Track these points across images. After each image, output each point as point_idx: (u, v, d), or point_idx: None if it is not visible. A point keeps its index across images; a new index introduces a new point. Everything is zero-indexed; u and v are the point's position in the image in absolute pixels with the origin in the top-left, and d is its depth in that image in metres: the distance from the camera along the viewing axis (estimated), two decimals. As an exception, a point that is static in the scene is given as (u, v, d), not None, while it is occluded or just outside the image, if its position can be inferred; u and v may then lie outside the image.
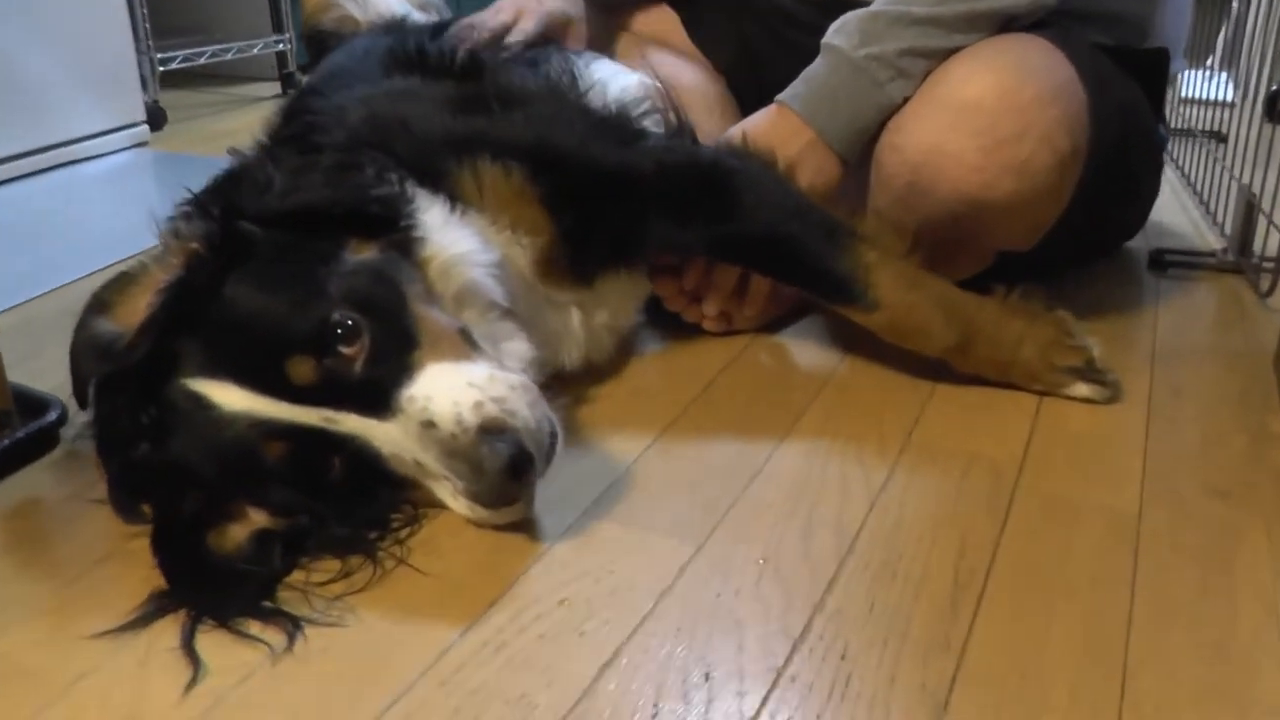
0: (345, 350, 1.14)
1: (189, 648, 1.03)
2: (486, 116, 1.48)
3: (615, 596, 1.09)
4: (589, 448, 1.37)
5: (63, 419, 1.44)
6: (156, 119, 3.19)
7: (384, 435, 1.13)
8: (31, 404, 1.44)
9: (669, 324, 1.68)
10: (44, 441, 1.42)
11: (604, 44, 2.07)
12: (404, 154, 1.39)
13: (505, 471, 1.08)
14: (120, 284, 1.24)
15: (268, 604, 1.09)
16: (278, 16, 3.78)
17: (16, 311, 1.86)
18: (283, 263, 1.20)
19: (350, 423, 1.13)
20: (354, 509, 1.19)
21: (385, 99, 1.53)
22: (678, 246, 1.52)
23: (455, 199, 1.37)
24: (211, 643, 1.04)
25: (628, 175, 1.45)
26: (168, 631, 1.05)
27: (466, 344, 1.21)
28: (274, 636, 1.04)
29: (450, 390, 1.12)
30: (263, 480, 1.16)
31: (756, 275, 1.61)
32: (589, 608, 1.07)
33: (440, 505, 1.19)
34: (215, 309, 1.15)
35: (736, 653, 1.01)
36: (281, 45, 3.80)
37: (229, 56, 3.65)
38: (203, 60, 3.55)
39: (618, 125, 1.54)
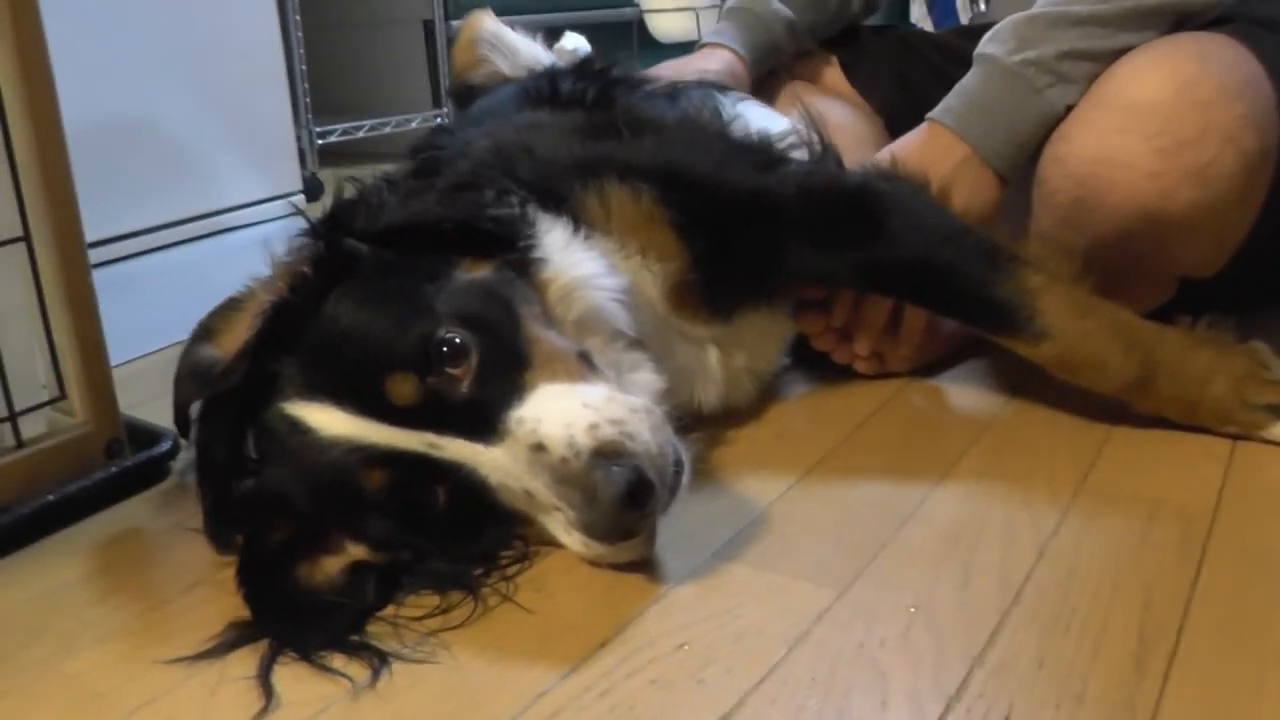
0: (451, 369, 1.06)
1: (264, 678, 0.96)
2: (615, 141, 1.41)
3: (742, 643, 0.97)
4: (722, 488, 1.26)
5: (174, 451, 1.43)
6: (313, 190, 3.24)
7: (491, 462, 1.04)
8: (145, 436, 1.44)
9: (816, 365, 1.57)
10: (153, 472, 1.41)
11: (761, 94, 2.00)
12: (527, 178, 1.32)
13: (621, 499, 0.97)
14: (224, 311, 1.20)
15: (355, 638, 1.02)
16: (437, 92, 3.85)
17: (151, 358, 1.89)
18: (388, 280, 1.14)
19: (455, 448, 1.05)
20: (459, 544, 1.11)
21: (511, 129, 1.48)
22: (822, 277, 1.40)
23: (580, 222, 1.29)
24: (290, 675, 0.96)
25: (766, 198, 1.35)
26: (245, 661, 0.98)
27: (585, 366, 1.12)
28: (357, 671, 0.96)
29: (563, 411, 1.03)
30: (361, 511, 1.09)
31: (910, 310, 1.50)
32: (710, 653, 0.96)
33: (554, 543, 1.10)
34: (314, 328, 1.10)
35: (879, 709, 0.88)
36: (440, 119, 3.86)
37: (387, 130, 3.71)
38: (360, 134, 3.62)
39: (758, 150, 1.45)
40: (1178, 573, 1.04)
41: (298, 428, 1.07)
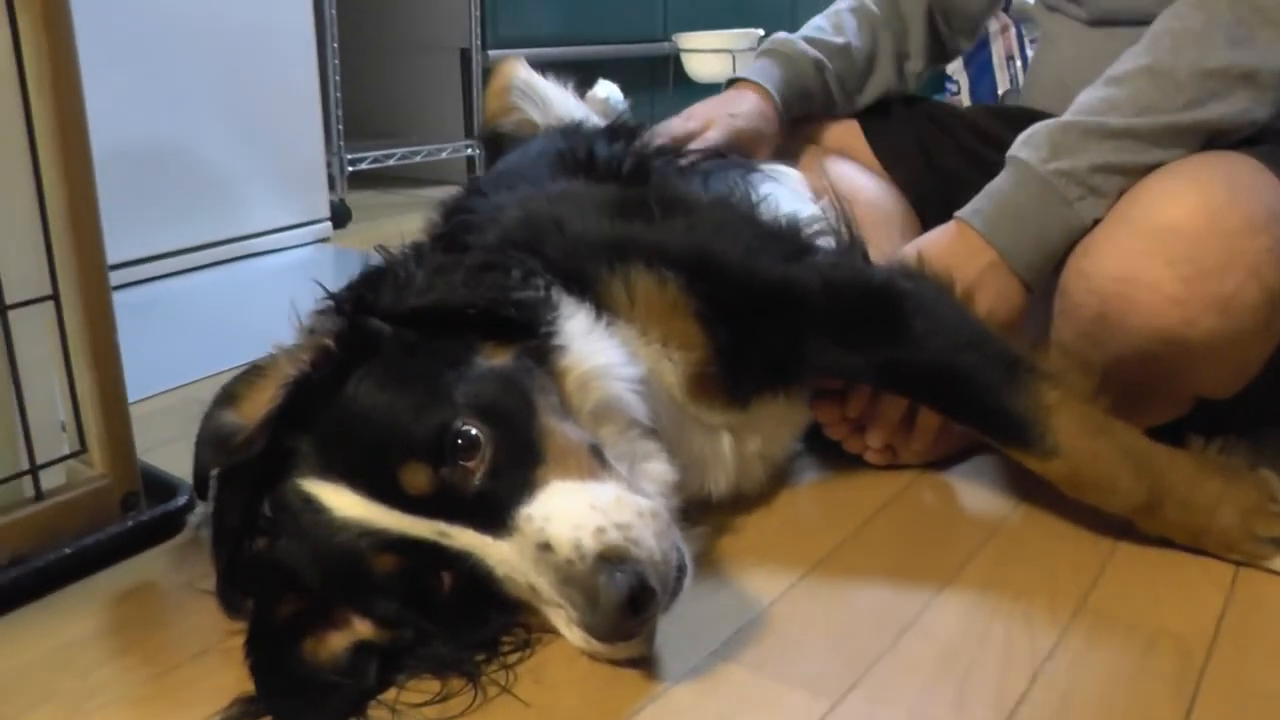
0: (464, 462, 1.10)
1: None
2: (645, 221, 1.44)
3: (734, 754, 1.00)
4: (725, 581, 1.29)
5: (190, 505, 1.47)
6: (341, 217, 3.30)
7: (498, 555, 1.08)
8: (161, 488, 1.47)
9: (828, 452, 1.60)
10: (169, 526, 1.45)
11: (788, 154, 2.04)
12: (554, 256, 1.36)
13: (623, 606, 1.01)
14: (249, 377, 1.24)
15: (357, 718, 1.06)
16: (470, 122, 3.90)
17: (171, 395, 1.94)
18: (409, 363, 1.17)
19: (464, 538, 1.08)
20: (462, 628, 1.14)
21: (544, 200, 1.51)
22: (841, 371, 1.44)
23: (603, 307, 1.32)
24: None
25: (791, 291, 1.39)
26: None
27: (596, 462, 1.15)
28: None
29: (571, 512, 1.07)
30: (369, 590, 1.13)
31: (926, 408, 1.52)
32: (702, 764, 0.99)
33: (555, 631, 1.13)
34: (334, 407, 1.13)
35: (864, 834, 0.91)
36: (470, 150, 3.92)
37: (418, 159, 3.77)
38: (391, 162, 3.68)
39: (785, 238, 1.48)
40: (1171, 708, 1.07)
41: (311, 505, 1.11)
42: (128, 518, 1.40)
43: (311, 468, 1.12)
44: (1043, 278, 1.51)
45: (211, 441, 1.20)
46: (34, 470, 1.34)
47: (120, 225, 2.85)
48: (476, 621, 1.15)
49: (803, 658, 1.14)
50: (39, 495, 1.35)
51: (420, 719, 1.06)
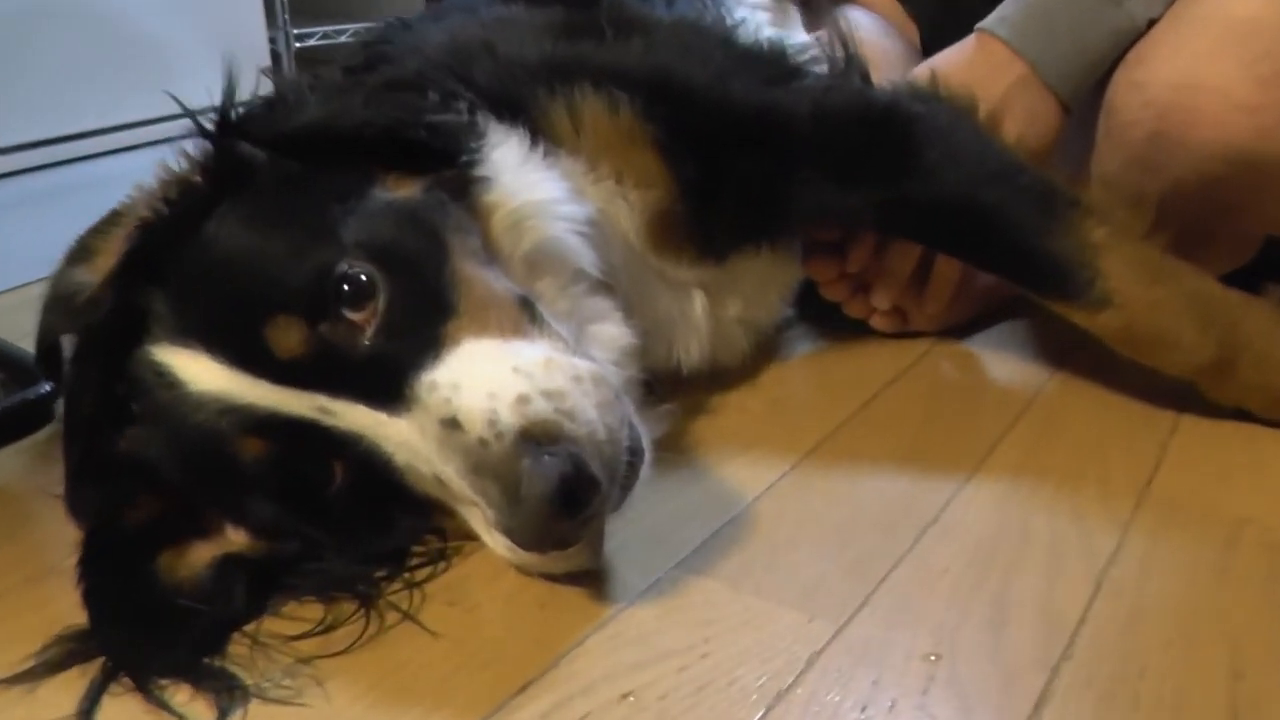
0: (351, 314, 0.83)
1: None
2: (595, 41, 1.15)
3: (705, 695, 0.73)
4: (698, 474, 1.02)
5: (56, 394, 1.18)
6: (288, 98, 2.97)
7: (395, 436, 0.81)
8: (24, 373, 1.20)
9: (825, 319, 1.32)
10: (29, 417, 1.17)
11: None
12: (483, 81, 1.07)
13: (552, 499, 0.73)
14: (103, 225, 0.98)
15: (210, 660, 0.79)
16: (432, -3, 3.56)
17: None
18: (285, 197, 0.91)
19: (351, 416, 0.82)
20: (359, 537, 0.88)
21: (475, 25, 1.22)
22: (839, 214, 1.15)
23: (541, 136, 1.04)
24: (122, 713, 0.74)
25: (774, 116, 1.10)
26: (70, 689, 0.77)
27: (525, 318, 0.88)
28: (200, 713, 0.74)
29: (487, 377, 0.79)
30: (238, 487, 0.87)
31: (942, 258, 1.23)
32: (663, 709, 0.72)
33: (477, 540, 0.87)
34: (188, 253, 0.87)
35: (883, 806, 0.64)
36: (433, 25, 3.56)
37: (375, 36, 3.41)
38: (343, 39, 3.32)
39: (767, 61, 1.19)
40: (1272, 618, 0.80)
41: (165, 379, 0.86)
42: (-35, 403, 1.12)
43: (165, 331, 0.87)
44: (1082, 95, 1.22)
45: (56, 303, 0.96)
46: None
47: (38, 97, 2.62)
48: (377, 528, 0.88)
49: (797, 567, 0.87)
50: None
51: (294, 655, 0.79)
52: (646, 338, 1.05)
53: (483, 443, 0.76)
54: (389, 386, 0.81)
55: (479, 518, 0.82)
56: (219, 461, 0.84)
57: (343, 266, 0.83)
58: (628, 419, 0.81)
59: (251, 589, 0.85)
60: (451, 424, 0.77)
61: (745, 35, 1.26)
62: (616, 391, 0.82)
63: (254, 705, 0.74)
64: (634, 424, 0.82)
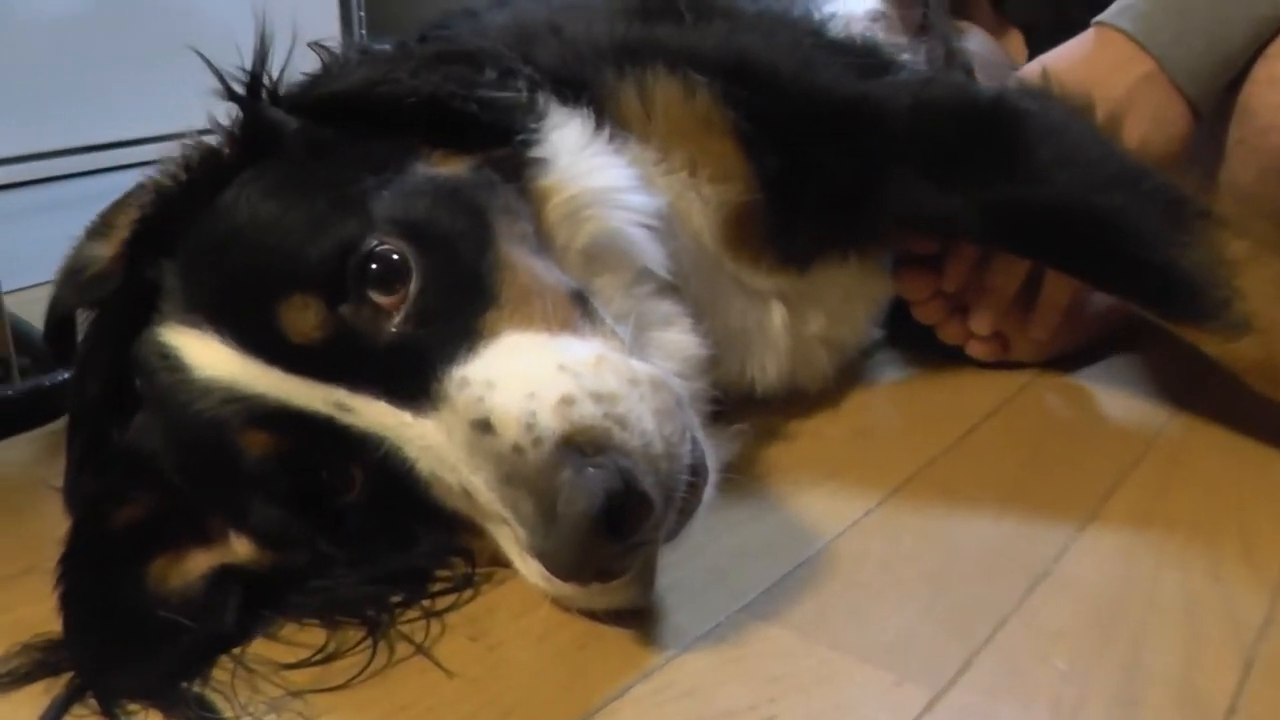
0: (378, 297, 0.72)
1: None
2: (672, 24, 1.03)
3: (770, 766, 0.60)
4: (769, 505, 0.88)
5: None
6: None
7: (420, 439, 0.69)
8: (46, 359, 1.10)
9: (917, 344, 1.17)
10: (45, 406, 1.07)
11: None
12: (547, 61, 0.95)
13: (592, 519, 0.60)
14: (127, 199, 0.88)
15: (187, 685, 0.68)
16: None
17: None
18: (315, 165, 0.81)
19: (372, 414, 0.70)
20: (376, 553, 0.76)
21: (541, 9, 1.10)
22: (936, 219, 1.00)
23: (608, 120, 0.91)
24: None
25: (868, 107, 0.98)
26: (33, 704, 0.66)
27: (578, 313, 0.75)
28: None
29: (527, 374, 0.67)
30: (241, 489, 0.75)
31: (1051, 277, 1.09)
32: (718, 782, 0.59)
33: (511, 566, 0.74)
34: (202, 224, 0.77)
35: None
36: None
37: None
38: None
39: (861, 53, 1.06)
40: None
41: (169, 362, 0.75)
42: (-14, 386, 1.02)
43: (174, 308, 0.76)
44: (1214, 94, 1.06)
45: (65, 277, 0.86)
46: None
47: (107, 100, 2.55)
48: (395, 545, 0.76)
49: (882, 620, 0.73)
50: None
51: (285, 686, 0.67)
52: (717, 350, 0.92)
53: (517, 449, 0.63)
54: (415, 381, 0.69)
55: (511, 539, 0.68)
56: (221, 457, 0.73)
57: (371, 242, 0.72)
58: (690, 432, 0.68)
59: (247, 606, 0.74)
60: (483, 426, 0.65)
61: (836, 29, 1.14)
62: (679, 399, 0.69)
63: (229, 743, 0.62)
64: (697, 439, 0.69)
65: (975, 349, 1.13)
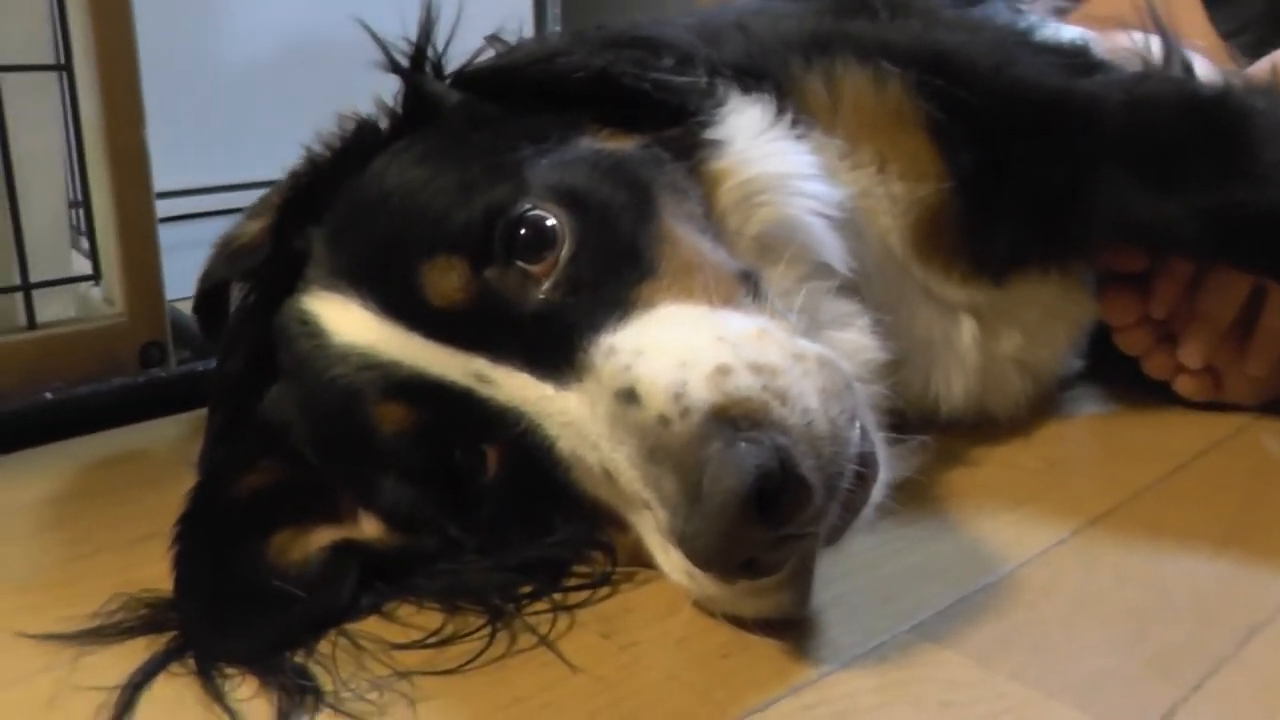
0: (526, 263, 0.66)
1: (127, 698, 0.59)
2: (866, 20, 0.95)
3: (933, 804, 0.50)
4: (948, 527, 0.78)
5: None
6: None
7: (561, 415, 0.62)
8: (199, 345, 1.08)
9: (1120, 378, 1.04)
10: (198, 390, 1.03)
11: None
12: (730, 55, 0.89)
13: (742, 498, 0.52)
14: (286, 179, 0.84)
15: (289, 655, 0.62)
16: None
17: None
18: (474, 135, 0.76)
19: (512, 386, 0.64)
20: (510, 540, 0.69)
21: (729, 12, 1.04)
22: (1149, 227, 0.88)
23: (791, 108, 0.84)
24: (170, 697, 0.59)
25: (1075, 102, 0.88)
26: (129, 659, 0.62)
27: (743, 291, 0.68)
28: (258, 712, 0.57)
29: (681, 343, 0.60)
30: (373, 463, 0.70)
31: (1274, 300, 0.94)
32: (870, 817, 0.49)
33: (656, 568, 0.66)
34: (351, 190, 0.74)
35: None
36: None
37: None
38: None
39: (1069, 53, 0.96)
40: None
41: (308, 328, 0.71)
42: (145, 372, 1.01)
43: (319, 274, 0.72)
44: None
45: (218, 251, 0.84)
46: (26, 288, 0.96)
47: (295, 134, 2.58)
48: (531, 533, 0.69)
49: (1073, 655, 0.62)
50: (31, 323, 0.97)
51: (392, 666, 0.61)
52: (899, 360, 0.83)
53: (663, 420, 0.56)
54: (559, 352, 0.62)
55: (653, 528, 0.61)
56: (354, 430, 0.68)
57: (523, 206, 0.66)
58: (860, 420, 0.59)
59: (365, 583, 0.68)
60: (628, 396, 0.58)
61: (1042, 33, 1.04)
62: (848, 382, 0.60)
63: (325, 716, 0.56)
64: (868, 429, 0.60)
65: (1184, 385, 0.99)
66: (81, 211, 1.00)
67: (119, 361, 0.99)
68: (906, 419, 0.83)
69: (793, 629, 0.62)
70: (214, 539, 0.69)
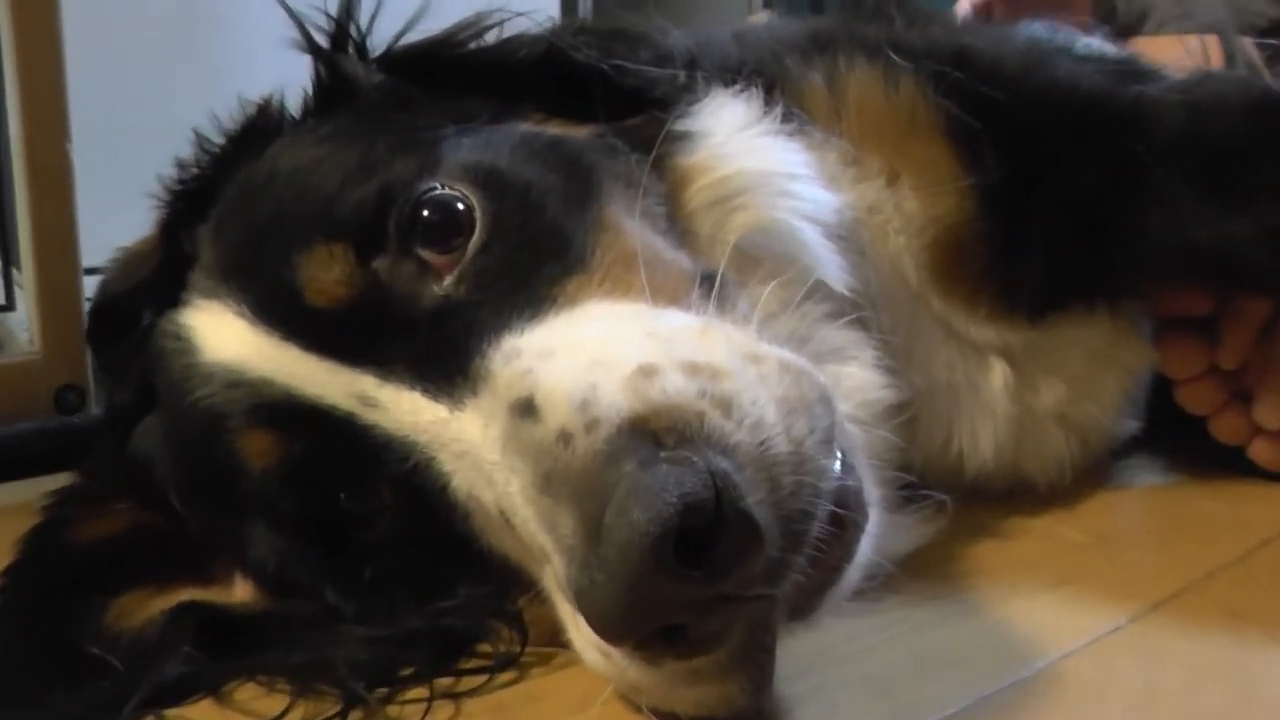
0: (427, 252, 0.51)
1: None
2: (880, 25, 0.81)
3: None
4: (969, 608, 0.61)
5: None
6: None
7: (455, 442, 0.47)
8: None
9: (1183, 444, 0.85)
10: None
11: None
12: (717, 56, 0.75)
13: (653, 539, 0.36)
14: (180, 172, 0.70)
15: None
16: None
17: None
18: (387, 117, 0.62)
19: (400, 408, 0.49)
20: (397, 607, 0.54)
21: (725, 30, 0.90)
22: (1213, 252, 0.72)
23: (784, 106, 0.69)
24: None
25: (1122, 105, 0.73)
26: None
27: (699, 295, 0.53)
28: None
29: (600, 340, 0.44)
30: (244, 511, 0.55)
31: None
32: None
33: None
34: (241, 179, 0.60)
35: None
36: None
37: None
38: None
39: (1114, 60, 0.83)
40: None
41: (180, 344, 0.57)
42: (56, 417, 0.86)
43: (198, 281, 0.59)
44: None
45: (112, 261, 0.71)
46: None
47: None
48: (425, 597, 0.53)
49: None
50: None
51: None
52: (913, 407, 0.67)
53: (564, 437, 0.41)
54: (455, 360, 0.48)
55: (556, 586, 0.45)
56: (216, 463, 0.54)
57: (428, 184, 0.52)
58: (836, 441, 0.43)
59: (214, 654, 0.53)
60: (525, 409, 0.43)
61: (1083, 46, 0.90)
62: (823, 393, 0.45)
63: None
64: (851, 461, 0.45)
65: (1261, 451, 0.80)
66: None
67: (29, 402, 0.85)
68: (922, 477, 0.67)
69: (748, 730, 0.46)
70: (42, 595, 0.54)
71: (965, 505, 0.73)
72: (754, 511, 0.38)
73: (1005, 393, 0.75)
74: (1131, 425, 0.86)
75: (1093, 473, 0.83)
